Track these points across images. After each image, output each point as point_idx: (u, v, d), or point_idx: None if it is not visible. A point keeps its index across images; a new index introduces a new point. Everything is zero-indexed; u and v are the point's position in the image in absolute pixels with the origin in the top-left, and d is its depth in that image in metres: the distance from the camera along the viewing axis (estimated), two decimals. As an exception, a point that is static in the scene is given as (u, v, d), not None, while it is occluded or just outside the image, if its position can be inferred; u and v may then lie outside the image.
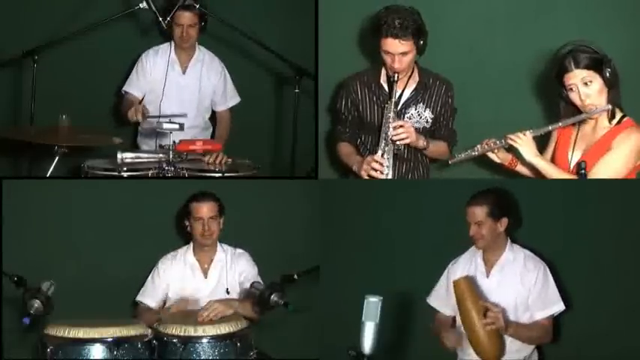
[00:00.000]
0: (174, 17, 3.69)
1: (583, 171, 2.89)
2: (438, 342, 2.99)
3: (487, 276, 3.00)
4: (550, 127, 3.05)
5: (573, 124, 3.06)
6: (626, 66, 3.03)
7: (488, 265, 3.01)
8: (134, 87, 3.91)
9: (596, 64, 2.91)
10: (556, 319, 2.96)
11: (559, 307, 2.91)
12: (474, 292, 2.86)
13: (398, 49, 3.19)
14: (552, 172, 2.99)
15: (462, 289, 2.84)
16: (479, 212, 2.93)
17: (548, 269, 2.94)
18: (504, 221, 2.97)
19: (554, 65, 3.00)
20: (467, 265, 3.05)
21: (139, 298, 3.26)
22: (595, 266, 3.01)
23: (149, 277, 3.28)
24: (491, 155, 3.17)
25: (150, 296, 3.25)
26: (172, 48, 3.92)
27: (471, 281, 2.90)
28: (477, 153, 3.15)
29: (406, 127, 3.23)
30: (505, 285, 2.95)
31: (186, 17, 3.75)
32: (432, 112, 3.40)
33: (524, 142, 2.99)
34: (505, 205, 2.99)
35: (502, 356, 2.86)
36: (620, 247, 3.00)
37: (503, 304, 2.89)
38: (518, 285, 2.93)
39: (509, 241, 3.01)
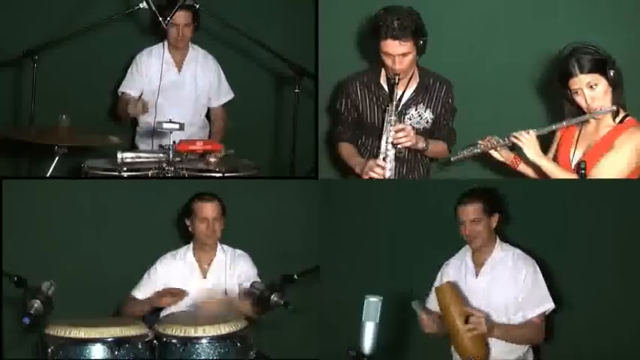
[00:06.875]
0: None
1: (582, 171, 2.88)
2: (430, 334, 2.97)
3: (476, 276, 2.99)
4: (554, 127, 3.03)
5: (576, 123, 3.04)
6: (627, 66, 3.02)
7: (478, 264, 3.00)
8: (130, 87, 3.91)
9: (600, 66, 2.88)
10: (553, 319, 2.96)
11: (550, 304, 2.88)
12: (457, 297, 2.84)
13: (397, 51, 3.18)
14: (556, 172, 2.97)
15: (444, 295, 2.84)
16: (474, 209, 2.93)
17: (538, 267, 2.92)
18: (496, 217, 2.97)
19: (558, 68, 2.97)
20: (458, 266, 3.05)
21: (132, 292, 3.24)
22: (594, 266, 3.01)
23: (145, 273, 3.26)
24: (493, 153, 3.14)
25: (141, 289, 3.23)
26: (166, 48, 3.92)
27: (453, 287, 2.89)
28: (479, 150, 3.13)
29: (407, 131, 3.21)
30: (495, 285, 2.94)
31: (181, 17, 3.75)
32: (433, 113, 3.39)
33: (528, 142, 2.96)
34: (496, 202, 2.99)
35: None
36: (619, 247, 3.00)
37: (493, 305, 2.89)
38: (509, 284, 2.91)
39: (498, 239, 3.00)
